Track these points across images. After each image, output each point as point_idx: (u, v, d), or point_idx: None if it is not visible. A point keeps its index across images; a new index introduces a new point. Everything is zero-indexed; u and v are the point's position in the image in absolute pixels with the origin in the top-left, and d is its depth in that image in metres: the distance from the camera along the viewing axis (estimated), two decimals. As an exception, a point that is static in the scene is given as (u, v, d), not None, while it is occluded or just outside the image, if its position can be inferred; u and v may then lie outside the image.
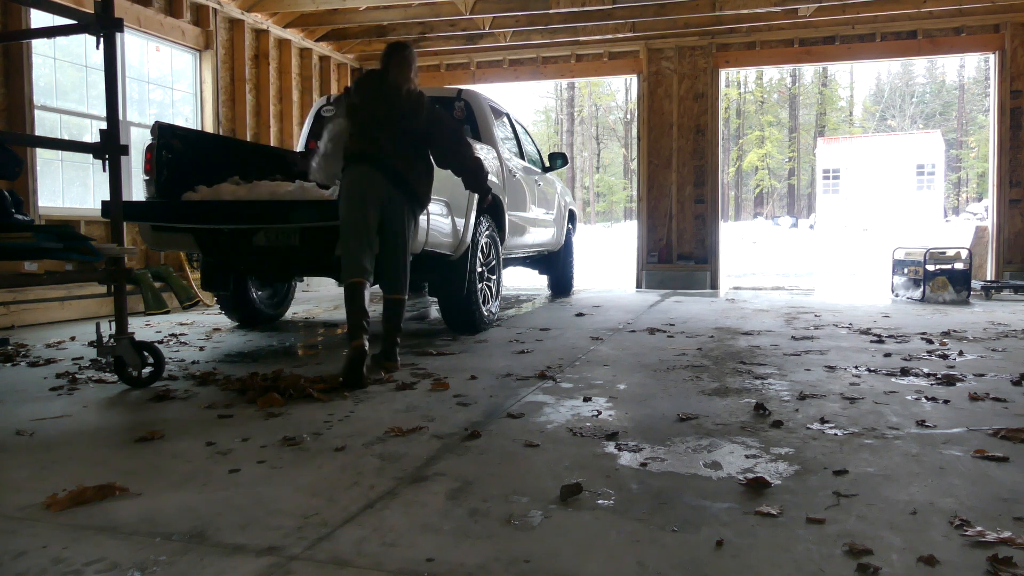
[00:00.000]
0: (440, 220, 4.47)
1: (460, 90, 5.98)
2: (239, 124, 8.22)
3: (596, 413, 2.86)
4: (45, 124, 6.27)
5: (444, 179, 4.54)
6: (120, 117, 3.50)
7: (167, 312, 6.56)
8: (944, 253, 7.79)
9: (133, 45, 7.12)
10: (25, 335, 5.20)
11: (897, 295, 7.98)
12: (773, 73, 43.89)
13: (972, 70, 46.62)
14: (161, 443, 2.50)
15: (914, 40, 8.66)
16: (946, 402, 2.99)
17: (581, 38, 9.44)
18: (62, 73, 6.53)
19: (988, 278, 8.62)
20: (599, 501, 1.92)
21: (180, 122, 7.60)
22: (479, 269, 5.05)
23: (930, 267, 7.62)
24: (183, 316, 6.39)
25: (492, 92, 8.04)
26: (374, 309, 4.11)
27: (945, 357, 4.08)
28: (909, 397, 3.09)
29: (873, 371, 3.66)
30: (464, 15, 8.59)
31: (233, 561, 1.59)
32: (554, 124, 46.83)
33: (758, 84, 46.11)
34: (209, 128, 7.83)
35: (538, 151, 7.63)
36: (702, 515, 1.82)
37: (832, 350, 4.34)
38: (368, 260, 3.70)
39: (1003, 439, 2.45)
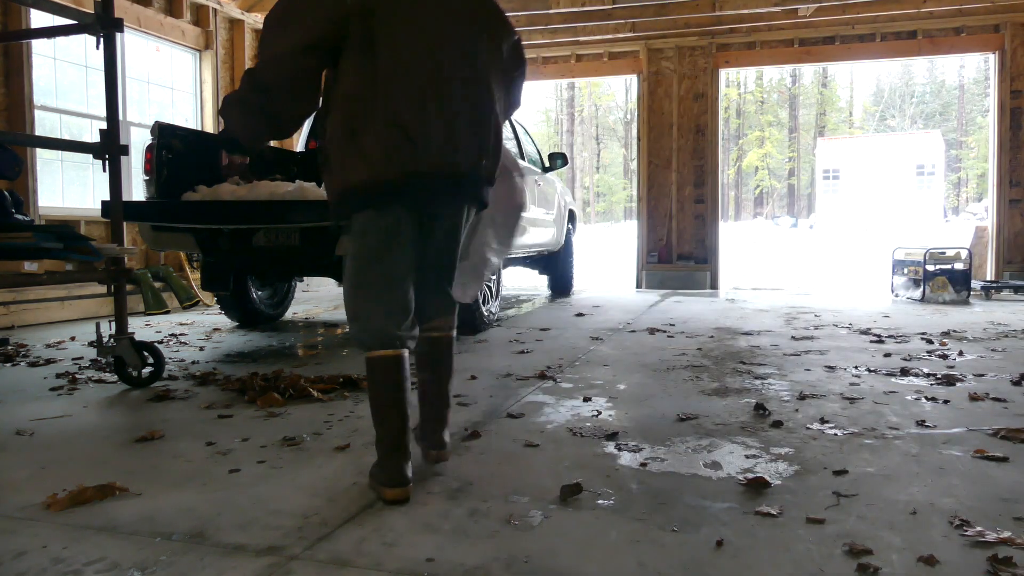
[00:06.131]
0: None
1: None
2: (239, 124, 8.21)
3: (596, 413, 2.86)
4: (45, 124, 6.27)
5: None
6: (120, 117, 3.50)
7: (167, 312, 6.56)
8: (944, 253, 7.79)
9: (133, 45, 7.12)
10: (25, 335, 5.19)
11: (897, 295, 7.97)
12: (773, 73, 43.85)
13: (972, 70, 46.59)
14: (161, 443, 2.50)
15: (914, 40, 8.66)
16: (946, 402, 2.99)
17: (581, 38, 9.44)
18: (62, 73, 6.53)
19: (988, 278, 8.61)
20: (599, 501, 1.92)
21: (180, 122, 7.60)
22: (479, 269, 5.05)
23: (930, 267, 7.62)
24: (183, 316, 6.39)
25: (492, 92, 8.02)
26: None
27: (945, 357, 4.07)
28: (909, 397, 3.09)
29: (873, 371, 3.66)
30: (464, 15, 8.57)
31: (233, 561, 1.59)
32: (554, 124, 46.80)
33: (758, 84, 46.08)
34: (209, 128, 7.83)
35: (538, 151, 7.63)
36: (702, 515, 1.82)
37: (832, 350, 4.34)
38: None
39: (1003, 439, 2.45)
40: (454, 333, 2.26)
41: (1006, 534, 1.67)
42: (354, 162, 1.93)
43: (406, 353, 2.02)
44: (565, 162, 7.49)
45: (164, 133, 4.57)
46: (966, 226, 18.36)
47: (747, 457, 2.28)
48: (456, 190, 2.04)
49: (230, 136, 2.08)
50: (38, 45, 6.08)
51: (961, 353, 4.21)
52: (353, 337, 2.06)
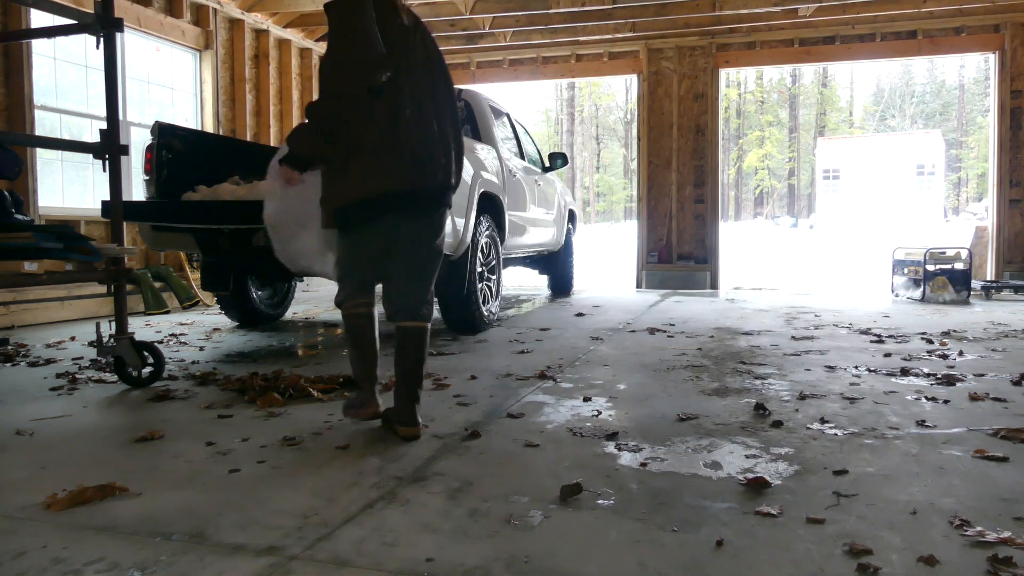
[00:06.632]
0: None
1: (460, 90, 5.97)
2: (239, 124, 8.22)
3: (596, 413, 2.86)
4: (45, 124, 6.27)
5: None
6: (120, 117, 3.50)
7: (167, 312, 6.56)
8: (944, 253, 7.79)
9: (133, 45, 7.12)
10: (25, 335, 5.19)
11: (897, 295, 7.97)
12: (773, 73, 43.84)
13: (972, 70, 46.57)
14: (161, 443, 2.50)
15: (914, 40, 8.66)
16: (946, 402, 2.99)
17: (581, 38, 9.44)
18: (62, 73, 6.53)
19: (988, 278, 8.61)
20: (599, 501, 1.92)
21: (180, 122, 7.60)
22: (479, 269, 5.05)
23: (930, 267, 7.62)
24: (183, 316, 6.39)
25: (492, 92, 8.04)
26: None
27: (945, 357, 4.07)
28: (909, 397, 3.09)
29: (873, 371, 3.66)
30: (464, 15, 8.59)
31: (233, 561, 1.59)
32: (554, 124, 46.77)
33: (758, 84, 46.07)
34: (209, 128, 7.83)
35: (538, 151, 7.63)
36: (702, 515, 1.82)
37: (832, 350, 4.34)
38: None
39: (1003, 439, 2.45)
40: (425, 324, 2.67)
41: (1006, 534, 1.67)
42: (376, 175, 2.48)
43: (373, 311, 2.66)
44: (565, 162, 7.49)
45: (164, 133, 4.57)
46: (966, 226, 18.36)
47: (747, 457, 2.28)
48: (441, 198, 2.69)
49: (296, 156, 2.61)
50: (38, 45, 6.08)
51: (961, 353, 4.21)
52: (336, 302, 2.67)
